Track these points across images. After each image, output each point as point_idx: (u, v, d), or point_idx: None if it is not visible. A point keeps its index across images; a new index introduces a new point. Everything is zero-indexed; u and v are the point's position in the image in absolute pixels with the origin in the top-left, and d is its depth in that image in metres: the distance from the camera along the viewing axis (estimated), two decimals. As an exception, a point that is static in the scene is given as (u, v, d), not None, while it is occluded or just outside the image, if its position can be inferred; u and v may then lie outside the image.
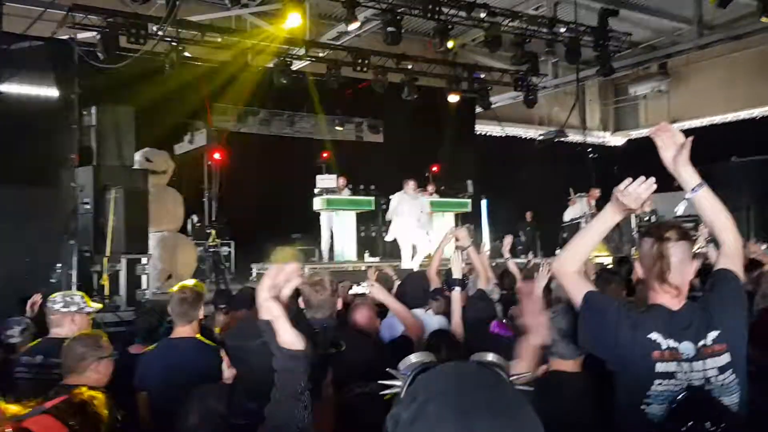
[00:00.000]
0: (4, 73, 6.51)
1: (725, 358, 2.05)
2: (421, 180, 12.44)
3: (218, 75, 11.80)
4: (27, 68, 7.38)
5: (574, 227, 12.68)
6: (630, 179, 2.09)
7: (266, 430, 1.57)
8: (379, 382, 1.30)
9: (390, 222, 11.18)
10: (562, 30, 13.02)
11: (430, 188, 12.35)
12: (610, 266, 8.77)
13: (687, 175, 2.14)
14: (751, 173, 13.33)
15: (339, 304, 3.31)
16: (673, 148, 2.15)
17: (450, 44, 12.12)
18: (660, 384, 2.02)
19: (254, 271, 11.61)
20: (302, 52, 12.17)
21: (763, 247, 9.01)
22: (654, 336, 2.04)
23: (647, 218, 13.33)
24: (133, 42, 9.83)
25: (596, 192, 13.02)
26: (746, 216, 11.88)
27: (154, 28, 10.15)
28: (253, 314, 1.84)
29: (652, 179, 2.09)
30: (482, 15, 11.88)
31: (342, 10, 11.26)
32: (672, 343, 2.03)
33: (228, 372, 2.89)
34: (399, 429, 0.87)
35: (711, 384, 2.03)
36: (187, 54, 11.17)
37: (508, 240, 6.46)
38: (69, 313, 3.70)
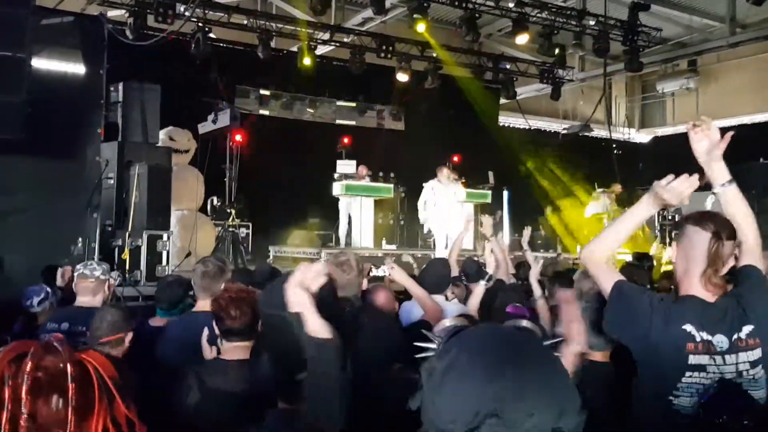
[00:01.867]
0: (35, 48, 6.57)
1: (758, 353, 2.03)
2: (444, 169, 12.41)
3: (242, 57, 11.85)
4: (56, 43, 7.44)
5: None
6: (673, 175, 2.07)
7: (304, 416, 1.60)
8: (415, 344, 1.31)
9: (421, 210, 10.86)
10: (591, 23, 12.84)
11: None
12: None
13: (719, 169, 2.17)
14: (779, 175, 13.06)
15: (364, 285, 3.32)
16: (707, 142, 2.16)
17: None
18: (690, 376, 2.00)
19: (271, 253, 11.69)
20: (327, 36, 12.15)
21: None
22: (688, 328, 2.01)
23: (671, 216, 13.17)
24: (160, 21, 9.89)
25: (618, 188, 12.89)
26: (772, 218, 11.65)
27: (182, 9, 10.20)
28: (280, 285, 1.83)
29: (696, 176, 2.08)
30: (510, 5, 11.75)
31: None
32: (705, 335, 2.01)
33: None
34: (433, 378, 0.89)
35: (742, 378, 2.01)
36: (212, 35, 11.22)
37: (527, 232, 6.44)
38: (106, 280, 3.76)
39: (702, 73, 17.21)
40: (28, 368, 0.97)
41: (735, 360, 2.00)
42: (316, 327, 1.52)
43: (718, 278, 2.04)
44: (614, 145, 14.57)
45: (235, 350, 2.69)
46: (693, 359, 1.99)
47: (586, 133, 16.21)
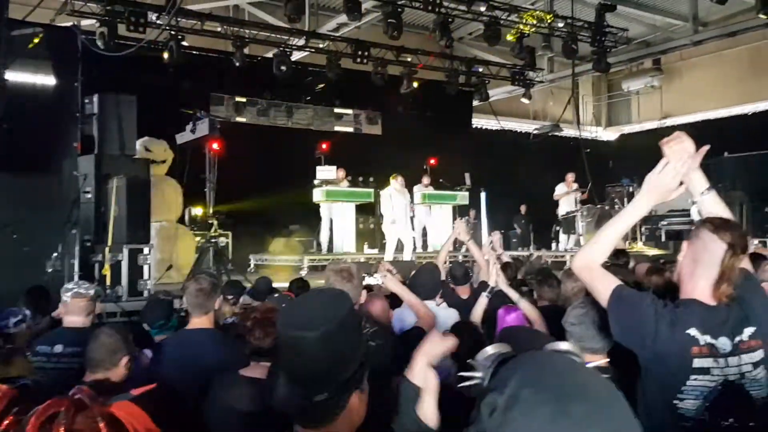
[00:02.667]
0: (7, 61, 6.41)
1: (759, 354, 2.06)
2: (420, 172, 12.51)
3: (217, 64, 11.75)
4: (28, 55, 7.28)
5: (570, 221, 12.77)
6: (665, 161, 2.12)
7: None
8: (460, 374, 1.33)
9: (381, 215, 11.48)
10: (560, 25, 13.04)
11: (425, 180, 12.41)
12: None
13: (697, 179, 2.22)
14: (744, 169, 13.45)
15: (363, 296, 3.32)
16: (682, 159, 2.18)
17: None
18: (695, 379, 2.02)
19: (252, 262, 11.62)
20: (302, 42, 12.13)
21: (755, 242, 9.13)
22: (692, 332, 2.04)
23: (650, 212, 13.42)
24: (132, 30, 9.76)
25: (570, 176, 13.10)
26: (739, 212, 11.98)
27: (153, 17, 10.08)
28: (310, 303, 1.81)
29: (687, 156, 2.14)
30: (482, 8, 11.88)
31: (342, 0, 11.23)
32: (709, 338, 2.03)
33: None
34: (495, 415, 0.88)
35: (744, 378, 2.04)
36: (185, 43, 11.10)
37: (496, 237, 6.48)
38: (96, 299, 3.71)
39: (666, 71, 17.63)
40: None
41: (738, 362, 2.03)
42: (429, 413, 1.50)
43: (730, 290, 2.07)
44: (582, 144, 14.82)
45: (257, 369, 2.70)
46: (697, 362, 2.02)
47: (556, 133, 16.47)
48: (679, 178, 2.12)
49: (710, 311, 2.08)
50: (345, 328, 1.55)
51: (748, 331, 2.06)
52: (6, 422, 0.99)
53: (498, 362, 1.05)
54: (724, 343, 2.04)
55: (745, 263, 2.21)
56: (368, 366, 1.65)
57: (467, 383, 1.16)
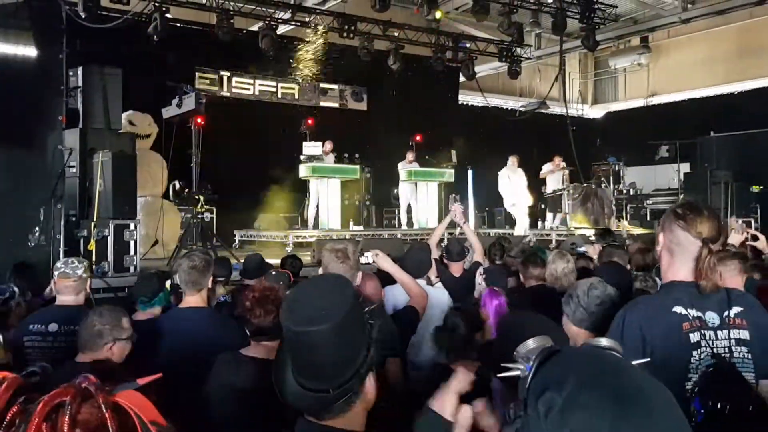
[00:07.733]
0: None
1: (746, 334, 2.02)
2: (405, 149, 12.45)
3: (202, 37, 11.54)
4: (10, 26, 7.09)
5: (556, 199, 12.84)
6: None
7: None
8: (503, 365, 1.31)
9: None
10: (549, 0, 12.95)
11: (410, 156, 12.35)
12: (592, 238, 9.00)
13: None
14: (730, 148, 13.55)
15: (358, 278, 3.25)
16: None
17: (438, 14, 12.05)
18: (695, 355, 1.99)
19: (237, 238, 11.56)
20: (287, 15, 11.93)
21: (739, 221, 9.27)
22: (678, 309, 2.01)
23: (627, 190, 13.57)
24: (115, 1, 9.53)
25: (557, 159, 13.17)
26: (725, 191, 12.08)
27: (137, -13, 9.84)
28: (314, 295, 1.77)
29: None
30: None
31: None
32: (695, 312, 2.01)
33: None
34: (553, 415, 0.89)
35: (733, 355, 2.00)
36: (169, 15, 10.86)
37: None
38: (87, 278, 3.66)
39: (653, 49, 17.63)
40: (66, 427, 0.87)
41: (727, 335, 2.00)
42: None
43: (713, 284, 2.01)
44: (568, 122, 14.83)
45: (257, 348, 2.69)
46: (693, 337, 1.99)
47: (543, 110, 16.46)
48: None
49: (693, 288, 2.03)
50: (353, 317, 1.51)
51: (735, 309, 2.04)
52: (12, 411, 0.96)
53: (544, 357, 1.04)
54: (712, 316, 2.01)
55: (737, 278, 2.18)
56: (376, 347, 1.64)
57: (506, 374, 1.16)
